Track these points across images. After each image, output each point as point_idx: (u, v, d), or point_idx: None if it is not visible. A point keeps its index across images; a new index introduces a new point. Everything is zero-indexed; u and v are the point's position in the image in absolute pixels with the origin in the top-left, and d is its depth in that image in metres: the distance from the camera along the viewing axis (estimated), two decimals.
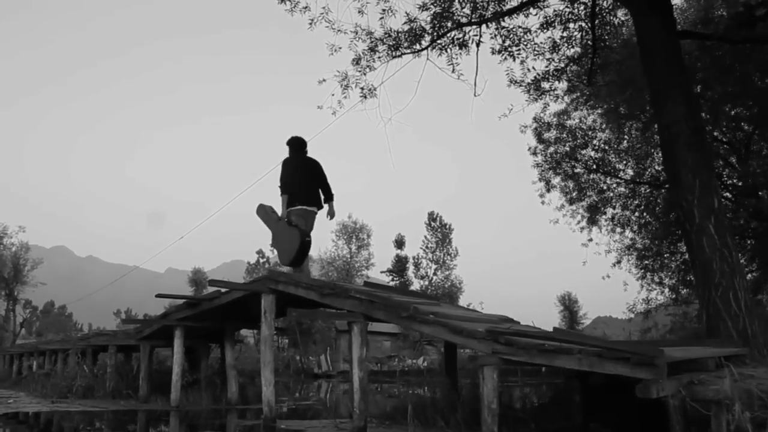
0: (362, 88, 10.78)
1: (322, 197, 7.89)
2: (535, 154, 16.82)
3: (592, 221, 17.32)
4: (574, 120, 17.16)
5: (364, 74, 10.39)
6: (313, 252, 49.48)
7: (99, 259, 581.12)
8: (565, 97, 17.36)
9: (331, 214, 7.95)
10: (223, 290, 8.44)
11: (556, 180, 16.91)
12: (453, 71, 10.45)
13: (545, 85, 10.90)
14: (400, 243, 52.80)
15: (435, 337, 5.50)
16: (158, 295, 8.84)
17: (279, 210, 7.62)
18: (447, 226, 55.02)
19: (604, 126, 17.44)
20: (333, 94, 11.10)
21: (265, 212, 7.77)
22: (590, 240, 17.71)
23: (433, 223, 55.13)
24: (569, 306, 40.33)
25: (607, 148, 17.07)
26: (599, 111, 17.14)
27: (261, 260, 51.52)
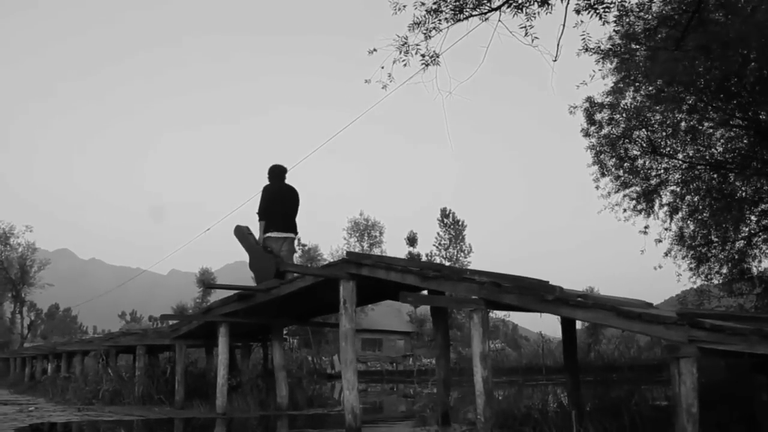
0: (423, 55, 9.60)
1: None
2: (588, 135, 15.66)
3: (650, 207, 16.18)
4: (627, 99, 16.05)
5: (429, 37, 9.18)
6: (325, 250, 48.42)
7: (102, 261, 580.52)
8: (610, 77, 16.29)
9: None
10: (281, 280, 7.30)
11: (610, 163, 15.75)
12: (526, 34, 9.26)
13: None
14: (412, 240, 51.69)
15: (594, 322, 4.28)
16: (208, 286, 7.79)
17: (256, 234, 8.03)
18: (460, 223, 53.94)
19: (650, 106, 16.33)
20: (383, 67, 9.93)
21: (241, 233, 8.16)
22: (647, 227, 16.53)
23: (446, 220, 54.06)
24: None
25: (664, 128, 15.95)
26: (643, 92, 16.05)
27: None
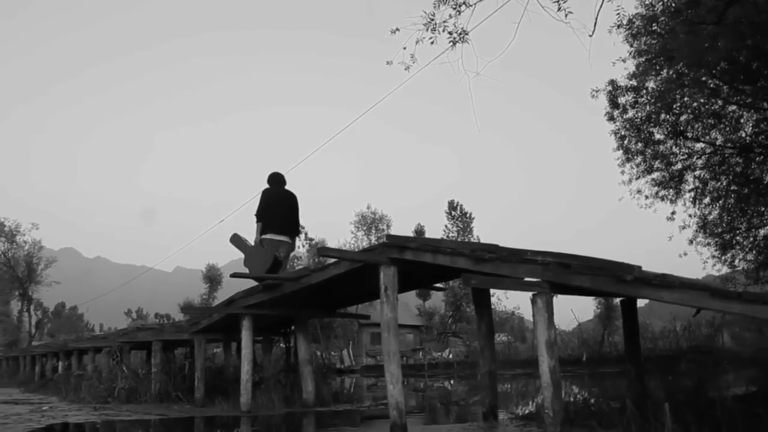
0: (450, 33, 9.11)
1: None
2: (612, 119, 15.16)
3: (676, 193, 15.70)
4: (650, 83, 15.53)
5: (459, 12, 8.68)
6: (332, 244, 48.02)
7: (107, 259, 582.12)
8: (631, 61, 15.82)
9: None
10: (312, 268, 6.85)
11: (635, 147, 15.27)
12: (559, 9, 8.76)
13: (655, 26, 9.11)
14: (419, 233, 51.19)
15: (682, 304, 3.82)
16: (233, 275, 7.29)
17: (252, 238, 8.26)
18: (468, 215, 53.36)
19: (671, 90, 15.82)
20: (405, 48, 9.48)
21: (238, 240, 8.36)
22: (673, 213, 16.06)
23: (453, 212, 53.51)
24: None
25: (688, 112, 15.44)
26: (664, 75, 15.55)
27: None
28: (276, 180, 8.70)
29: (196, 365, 9.45)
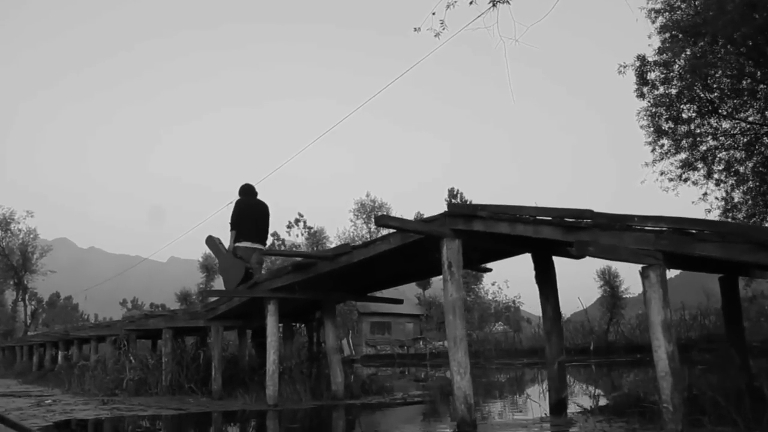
0: None
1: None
2: (642, 96, 14.46)
3: (707, 174, 15.07)
4: (679, 60, 14.85)
5: None
6: (331, 233, 47.39)
7: (101, 250, 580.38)
8: (657, 36, 15.18)
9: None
10: (355, 243, 6.13)
11: (666, 126, 14.60)
12: None
13: None
14: None
15: None
16: (266, 253, 6.60)
17: (226, 243, 8.78)
18: (468, 202, 52.62)
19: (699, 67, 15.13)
20: (434, 13, 8.78)
21: (213, 243, 8.99)
22: (705, 194, 15.43)
23: (453, 200, 52.80)
24: (610, 281, 37.94)
25: (719, 89, 14.77)
26: (687, 54, 14.88)
27: (276, 242, 49.13)
28: (247, 191, 9.14)
29: (212, 354, 8.73)
